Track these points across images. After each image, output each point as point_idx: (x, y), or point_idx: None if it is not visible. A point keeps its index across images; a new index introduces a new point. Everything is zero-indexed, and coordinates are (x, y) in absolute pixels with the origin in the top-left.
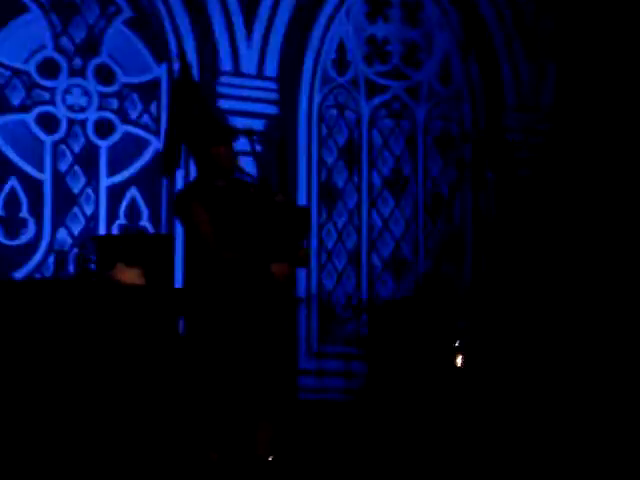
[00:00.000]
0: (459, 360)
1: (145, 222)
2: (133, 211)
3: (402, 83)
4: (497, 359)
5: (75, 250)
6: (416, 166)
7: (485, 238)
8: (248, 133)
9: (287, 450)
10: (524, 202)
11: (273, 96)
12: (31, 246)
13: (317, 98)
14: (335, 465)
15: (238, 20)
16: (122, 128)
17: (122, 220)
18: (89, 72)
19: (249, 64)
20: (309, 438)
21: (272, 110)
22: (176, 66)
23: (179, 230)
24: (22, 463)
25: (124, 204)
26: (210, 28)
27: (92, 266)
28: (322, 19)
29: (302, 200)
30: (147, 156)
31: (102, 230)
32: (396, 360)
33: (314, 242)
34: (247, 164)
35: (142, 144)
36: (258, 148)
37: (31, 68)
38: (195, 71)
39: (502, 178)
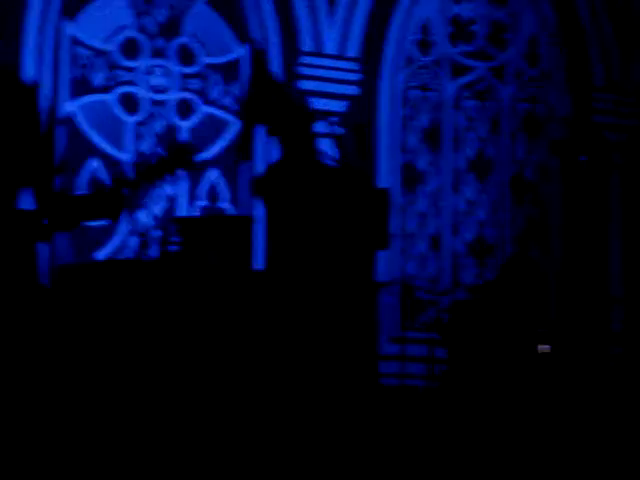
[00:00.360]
0: (544, 347)
1: (226, 203)
2: (214, 192)
3: (487, 63)
4: (583, 347)
5: (157, 232)
6: (501, 148)
7: (573, 221)
8: (325, 115)
9: (369, 436)
10: (613, 185)
11: (355, 77)
12: (112, 227)
13: (400, 79)
14: (417, 452)
15: None
16: (203, 109)
17: (203, 201)
18: (171, 52)
19: (331, 44)
20: (391, 424)
21: (354, 91)
22: (254, 50)
23: (259, 211)
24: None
25: (205, 185)
26: (292, 8)
27: (174, 247)
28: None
29: (384, 183)
30: (228, 137)
31: (183, 212)
32: (479, 346)
33: (395, 226)
34: (327, 146)
35: (223, 125)
36: (338, 130)
37: (113, 48)
38: (277, 51)
39: (591, 161)
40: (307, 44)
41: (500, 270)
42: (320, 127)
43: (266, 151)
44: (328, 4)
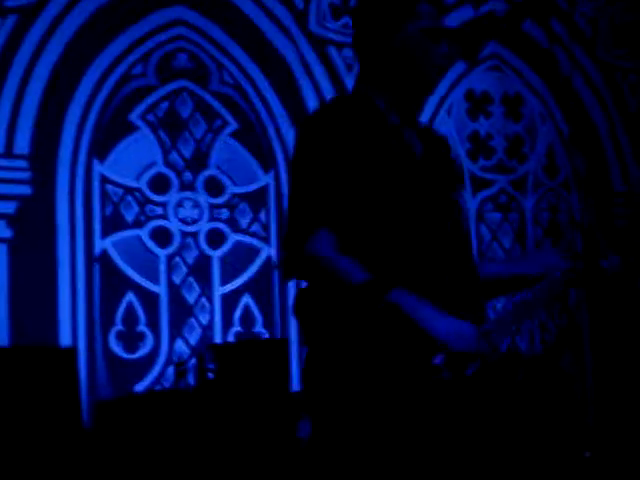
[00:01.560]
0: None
1: (260, 328)
2: (248, 318)
3: (507, 176)
4: (624, 452)
5: (193, 360)
6: None
7: (601, 326)
8: None
9: None
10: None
11: None
12: (150, 358)
13: None
14: None
15: None
16: (233, 237)
17: (237, 327)
18: (199, 185)
19: None
20: None
21: None
22: (279, 178)
23: (294, 334)
24: None
25: (238, 311)
26: None
27: (210, 375)
28: (423, 119)
29: None
30: (259, 263)
31: (218, 338)
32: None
33: None
34: None
35: (253, 252)
36: None
37: (143, 185)
38: None
39: (614, 267)
40: None
41: (532, 380)
42: None
43: None
44: None
